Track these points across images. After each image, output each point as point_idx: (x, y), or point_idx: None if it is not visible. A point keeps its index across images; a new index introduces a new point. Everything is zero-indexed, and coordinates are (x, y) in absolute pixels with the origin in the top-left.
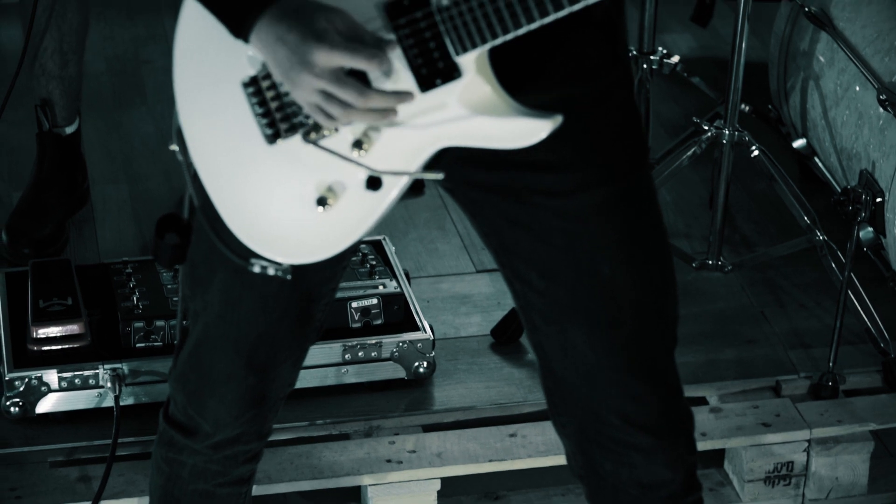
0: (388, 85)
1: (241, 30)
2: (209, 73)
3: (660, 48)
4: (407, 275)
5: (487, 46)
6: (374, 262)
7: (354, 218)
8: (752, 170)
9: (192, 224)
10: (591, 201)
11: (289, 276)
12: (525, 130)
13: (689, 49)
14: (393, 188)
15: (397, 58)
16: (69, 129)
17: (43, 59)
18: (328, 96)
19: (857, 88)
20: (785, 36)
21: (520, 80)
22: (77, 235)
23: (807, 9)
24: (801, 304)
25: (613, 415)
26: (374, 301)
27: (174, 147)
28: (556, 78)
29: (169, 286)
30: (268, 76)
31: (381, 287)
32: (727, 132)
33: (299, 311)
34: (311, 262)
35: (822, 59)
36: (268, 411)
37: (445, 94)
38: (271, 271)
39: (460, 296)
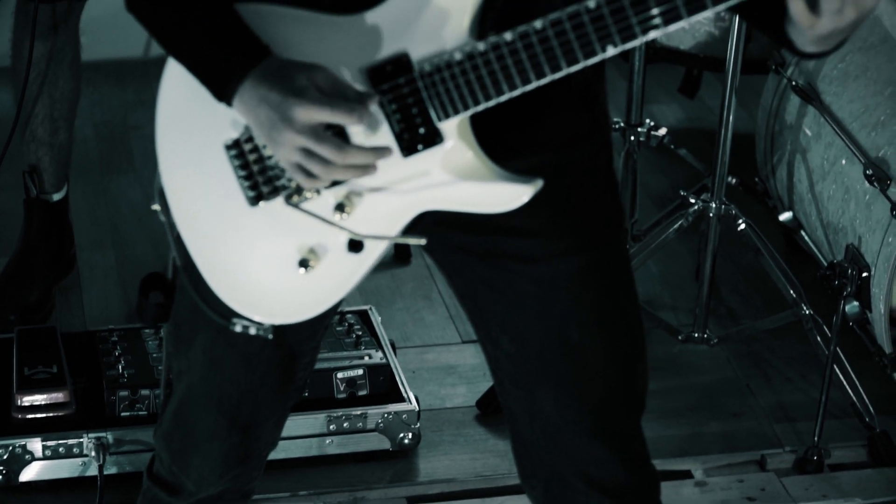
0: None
1: (223, 94)
2: (191, 135)
3: (647, 120)
4: (393, 345)
5: (470, 112)
6: (360, 333)
7: (336, 279)
8: (739, 242)
9: (175, 283)
10: (565, 268)
11: (271, 336)
12: (506, 195)
13: (676, 120)
14: (374, 251)
15: (379, 122)
16: (57, 196)
17: (34, 125)
18: (309, 154)
19: (844, 163)
20: (772, 109)
21: (500, 145)
22: (63, 302)
23: (794, 83)
24: (786, 378)
25: (578, 478)
26: (360, 372)
27: (156, 207)
28: (535, 144)
29: (154, 355)
30: (250, 139)
31: (366, 358)
32: (714, 205)
33: (282, 370)
34: (293, 323)
35: (808, 132)
36: (251, 470)
37: (427, 158)
38: (253, 331)
39: (446, 366)
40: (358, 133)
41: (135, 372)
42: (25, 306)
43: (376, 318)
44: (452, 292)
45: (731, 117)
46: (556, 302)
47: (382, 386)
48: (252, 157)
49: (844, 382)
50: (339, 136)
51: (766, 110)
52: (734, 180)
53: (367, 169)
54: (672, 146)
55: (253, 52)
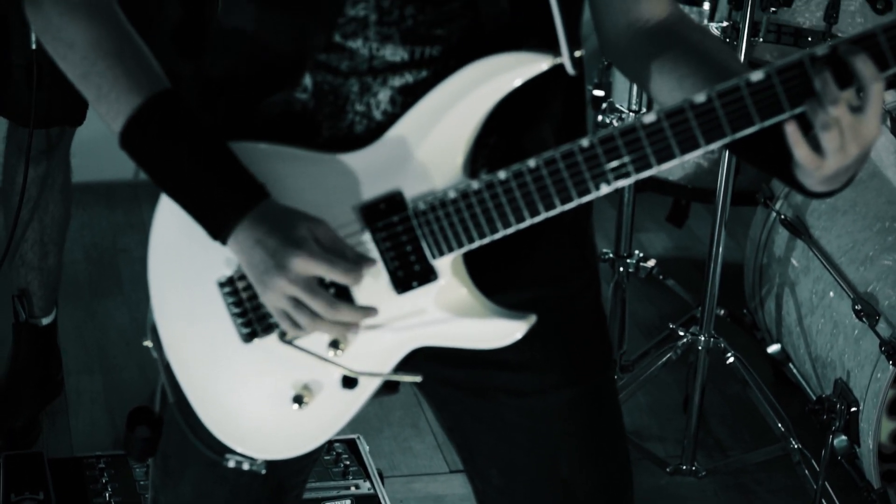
0: (363, 288)
1: (219, 233)
2: (185, 271)
3: (636, 251)
4: (381, 475)
5: (464, 250)
6: (347, 462)
7: (330, 415)
8: (727, 373)
9: (163, 417)
10: (555, 402)
11: (264, 471)
12: (501, 332)
13: (664, 249)
14: (368, 387)
15: (374, 260)
16: (45, 320)
17: (23, 250)
18: (298, 304)
19: (833, 297)
20: (761, 242)
21: (492, 280)
22: (50, 426)
23: (783, 216)
24: None
25: None
26: (348, 502)
27: (148, 343)
28: (526, 280)
29: (142, 482)
30: (243, 276)
31: (353, 488)
32: (703, 338)
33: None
34: (286, 458)
35: (797, 266)
36: None
37: (421, 295)
38: (246, 466)
39: (434, 496)
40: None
41: (122, 500)
42: (12, 431)
43: (364, 448)
44: (440, 425)
45: (720, 251)
46: (546, 436)
47: None
48: (246, 295)
49: None
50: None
51: (755, 243)
52: (723, 311)
53: (352, 327)
54: (660, 276)
55: (250, 193)
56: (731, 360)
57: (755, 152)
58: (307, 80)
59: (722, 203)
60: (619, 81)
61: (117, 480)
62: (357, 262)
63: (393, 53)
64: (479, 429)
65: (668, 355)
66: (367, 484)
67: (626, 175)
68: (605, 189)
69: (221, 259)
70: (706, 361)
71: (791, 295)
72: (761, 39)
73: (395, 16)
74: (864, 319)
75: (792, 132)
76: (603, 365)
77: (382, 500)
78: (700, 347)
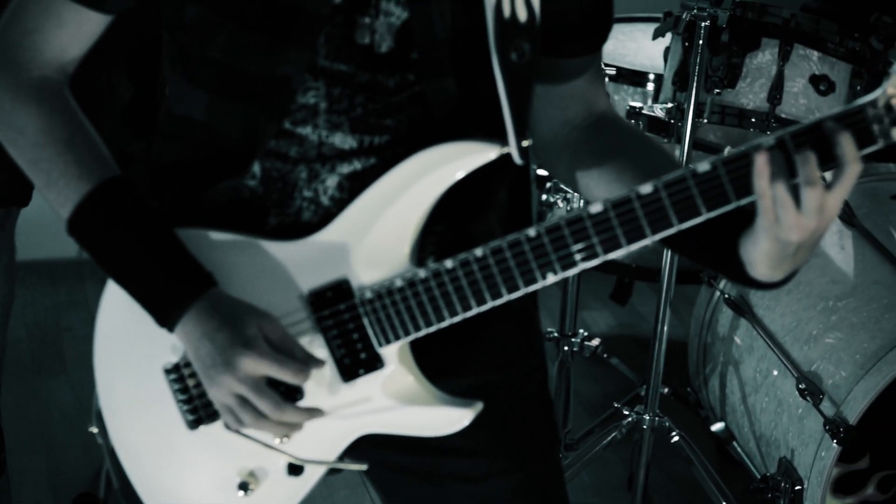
0: (309, 380)
1: (166, 321)
2: (131, 356)
3: (581, 330)
4: None
5: (411, 338)
6: None
7: (276, 502)
8: (671, 451)
9: (107, 503)
10: (503, 486)
11: None
12: (448, 419)
13: (608, 326)
14: (314, 473)
15: (320, 348)
16: None
17: None
18: (243, 402)
19: (777, 376)
20: (705, 320)
21: (438, 366)
22: None
23: (727, 295)
24: None
25: None
26: None
27: (94, 429)
28: (473, 365)
29: None
30: (189, 364)
31: None
32: (647, 417)
33: None
34: None
35: (741, 344)
36: None
37: (368, 383)
38: None
39: None
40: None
41: None
42: None
43: None
44: None
45: (665, 329)
46: None
47: None
48: (191, 382)
49: None
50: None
51: (699, 321)
52: (667, 390)
53: (294, 428)
54: (605, 355)
55: (197, 281)
56: (676, 438)
57: (698, 246)
58: (256, 167)
59: (667, 282)
60: None
61: None
62: (306, 361)
63: (342, 141)
64: None
65: (613, 434)
66: None
67: (573, 264)
68: (551, 278)
69: (167, 345)
70: (651, 440)
71: (735, 373)
72: (706, 120)
73: (344, 104)
74: (808, 398)
75: (761, 164)
76: (549, 448)
77: None
78: (645, 426)
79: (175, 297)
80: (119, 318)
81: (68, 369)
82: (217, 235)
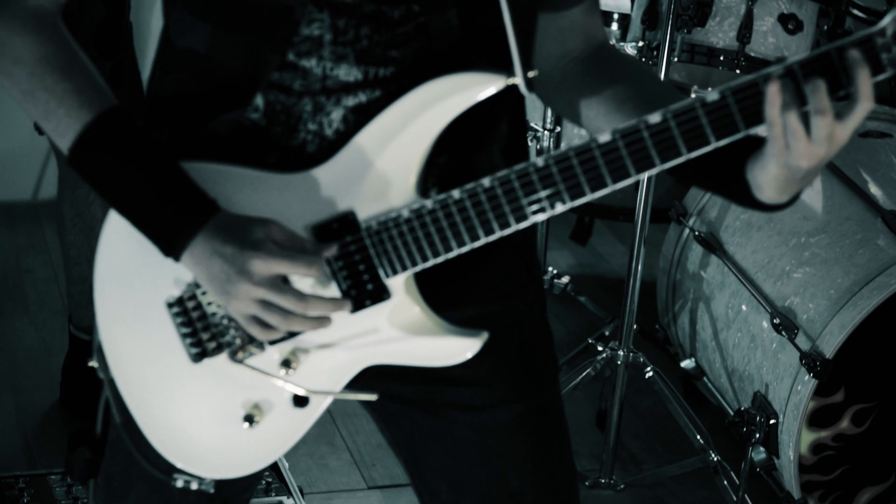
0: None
1: (172, 250)
2: (132, 292)
3: (550, 268)
4: (301, 491)
5: (418, 269)
6: (269, 479)
7: (281, 434)
8: (636, 387)
9: (105, 438)
10: (505, 416)
11: (212, 491)
12: (454, 349)
13: (568, 266)
14: (320, 404)
15: (326, 279)
16: None
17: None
18: (267, 305)
19: (749, 311)
20: (674, 258)
21: (441, 297)
22: None
23: (697, 233)
24: None
25: None
26: None
27: (94, 363)
28: (475, 296)
29: (63, 501)
30: (193, 296)
31: None
32: (622, 353)
33: None
34: (236, 478)
35: (712, 281)
36: None
37: (374, 314)
38: (195, 486)
39: None
40: (305, 290)
41: None
42: None
43: (284, 464)
44: (387, 440)
45: (639, 266)
46: (496, 450)
47: None
48: (195, 315)
49: None
50: None
51: (668, 259)
52: (636, 328)
53: (323, 322)
54: (574, 293)
55: (203, 209)
56: (650, 374)
57: (703, 172)
58: (259, 100)
59: (642, 218)
60: (532, 100)
61: (38, 500)
62: (317, 252)
63: (347, 73)
64: (429, 444)
65: (588, 370)
66: (291, 500)
67: (582, 194)
68: (560, 208)
69: (170, 279)
70: (625, 376)
71: (706, 310)
72: (676, 59)
73: (350, 36)
74: (782, 333)
75: (772, 92)
76: (550, 379)
77: None
78: (619, 362)
79: (181, 224)
80: (120, 253)
81: (31, 311)
82: (220, 168)
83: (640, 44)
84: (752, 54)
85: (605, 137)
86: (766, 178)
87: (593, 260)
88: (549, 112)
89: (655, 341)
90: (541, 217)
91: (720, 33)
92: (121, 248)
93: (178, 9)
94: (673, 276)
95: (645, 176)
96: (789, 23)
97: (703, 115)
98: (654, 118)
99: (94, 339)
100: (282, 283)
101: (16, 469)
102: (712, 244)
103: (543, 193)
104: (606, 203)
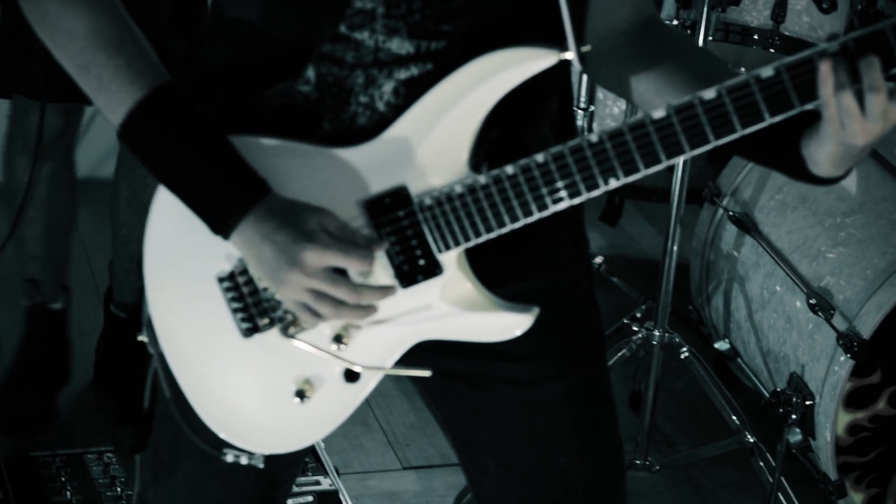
0: (369, 281)
1: (222, 228)
2: (182, 266)
3: None
4: (336, 471)
5: (470, 244)
6: (306, 459)
7: (332, 409)
8: (668, 369)
9: (153, 413)
10: (553, 392)
11: (262, 466)
12: (505, 324)
13: (598, 248)
14: (370, 380)
15: (378, 256)
16: (56, 305)
17: (30, 245)
18: (318, 295)
19: (785, 292)
20: (707, 239)
21: (491, 272)
22: None
23: (731, 213)
24: None
25: None
26: (310, 499)
27: (143, 338)
28: (525, 271)
29: (100, 481)
30: (244, 271)
31: (315, 484)
32: (658, 333)
33: (263, 498)
34: (286, 453)
35: (746, 261)
36: None
37: (426, 290)
38: (244, 461)
39: (388, 493)
40: (356, 273)
41: (82, 498)
42: (27, 416)
43: (320, 445)
44: (434, 416)
45: (675, 246)
46: (544, 425)
47: None
48: (247, 290)
49: None
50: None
51: (701, 240)
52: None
53: (371, 310)
54: (608, 274)
55: (253, 188)
56: (686, 354)
57: (758, 146)
58: (310, 72)
59: (678, 198)
60: None
61: (75, 479)
62: (369, 246)
63: (399, 46)
64: (477, 420)
65: (623, 351)
66: (328, 480)
67: (635, 170)
68: (613, 183)
69: (221, 254)
70: (660, 357)
71: (740, 291)
72: (711, 38)
73: (402, 9)
74: (819, 313)
75: (825, 72)
76: (598, 354)
77: (343, 497)
78: (654, 342)
79: (231, 203)
80: (170, 228)
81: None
82: (271, 142)
83: (675, 23)
84: (787, 33)
85: (659, 113)
86: (822, 155)
87: (623, 241)
88: (583, 91)
89: (689, 322)
90: (594, 193)
91: (754, 12)
92: (171, 223)
93: None
94: (706, 256)
95: (698, 152)
96: (823, 2)
97: (757, 91)
98: (709, 94)
99: (144, 314)
100: (334, 274)
101: (51, 448)
102: (747, 224)
103: (597, 169)
104: (638, 183)
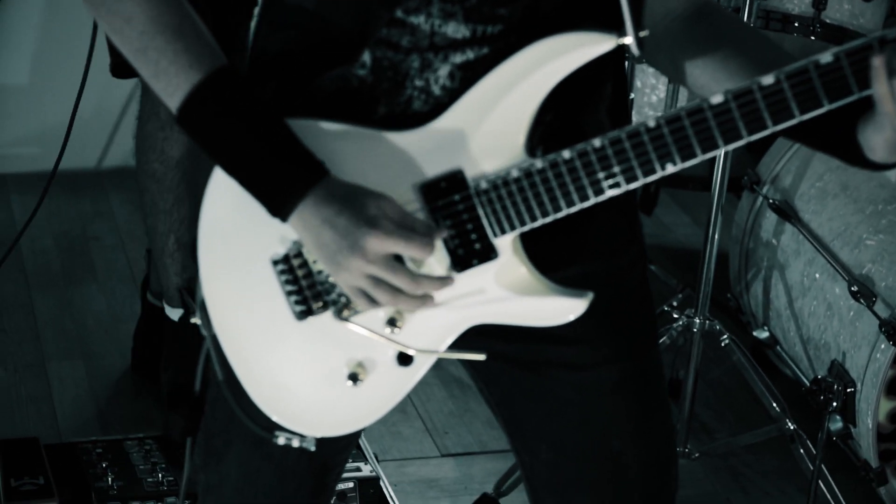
0: (422, 266)
1: (280, 211)
2: (236, 248)
3: None
4: (376, 457)
5: (526, 228)
6: None
7: (385, 393)
8: (705, 357)
9: (204, 396)
10: (608, 376)
11: (313, 448)
12: (561, 309)
13: None
14: (423, 364)
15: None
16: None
17: (180, 233)
18: (377, 281)
19: (826, 280)
20: (747, 227)
21: (546, 257)
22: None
23: (771, 200)
24: (765, 492)
25: None
26: (351, 485)
27: (196, 320)
28: (579, 255)
29: (141, 467)
30: (299, 254)
31: (356, 471)
32: (698, 321)
33: (314, 482)
34: (338, 436)
35: (786, 250)
36: None
37: (481, 274)
38: (296, 443)
39: (427, 480)
40: (409, 257)
41: (124, 484)
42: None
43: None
44: (486, 400)
45: (716, 234)
46: (598, 410)
47: (372, 499)
48: (301, 273)
49: (829, 498)
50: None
51: (741, 228)
52: None
53: (428, 300)
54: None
55: (312, 170)
56: (727, 342)
57: (815, 132)
58: (366, 56)
59: (719, 186)
60: None
61: (116, 465)
62: (429, 233)
63: (455, 30)
64: (529, 403)
65: (663, 338)
66: (369, 466)
67: (693, 155)
68: (670, 169)
69: (276, 237)
70: (701, 344)
71: (780, 278)
72: (751, 25)
73: None
74: (861, 301)
75: (878, 67)
76: (652, 339)
77: (384, 483)
78: (695, 330)
79: (290, 185)
80: (224, 210)
81: (98, 278)
82: (327, 125)
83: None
84: (828, 21)
85: (717, 99)
86: (878, 141)
87: (659, 230)
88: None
89: (727, 310)
90: (651, 178)
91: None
92: (226, 206)
93: None
94: (746, 244)
95: (756, 138)
96: None
97: (816, 77)
98: (768, 79)
99: (197, 296)
100: (394, 262)
101: (88, 434)
102: (787, 212)
103: (655, 154)
104: (675, 172)
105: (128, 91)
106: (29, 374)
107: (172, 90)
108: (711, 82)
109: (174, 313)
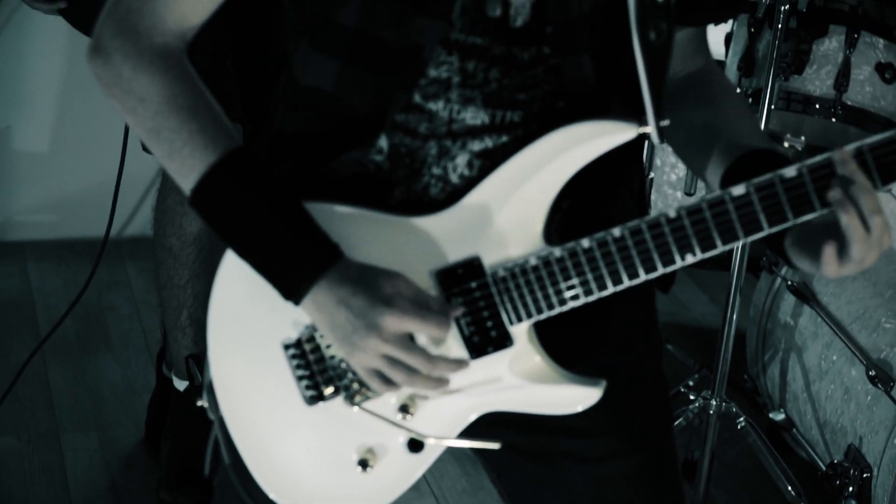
0: (437, 351)
1: (293, 294)
2: (248, 331)
3: None
4: None
5: (543, 317)
6: None
7: (394, 479)
8: (720, 438)
9: (213, 478)
10: (622, 468)
11: None
12: (574, 398)
13: None
14: (434, 451)
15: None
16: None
17: (194, 307)
18: (392, 362)
19: (843, 363)
20: (765, 308)
21: (564, 350)
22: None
23: (790, 282)
24: None
25: None
26: None
27: (203, 403)
28: (595, 346)
29: None
30: (311, 339)
31: None
32: (714, 403)
33: None
34: None
35: (804, 331)
36: None
37: (495, 361)
38: None
39: None
40: (425, 343)
41: None
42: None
43: None
44: (498, 491)
45: (734, 315)
46: (611, 502)
47: None
48: (313, 357)
49: None
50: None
51: (759, 308)
52: None
53: (443, 382)
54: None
55: (327, 253)
56: (743, 424)
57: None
58: (383, 141)
59: (738, 266)
60: None
61: None
62: (445, 312)
63: (474, 117)
64: (543, 496)
65: (679, 420)
66: None
67: (713, 246)
68: (690, 259)
69: (288, 321)
70: (717, 426)
71: (798, 361)
72: (773, 107)
73: (479, 79)
74: (878, 385)
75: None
76: (666, 430)
77: None
78: (711, 412)
79: (304, 269)
80: (236, 292)
81: (114, 348)
82: (343, 209)
83: (737, 91)
84: (849, 103)
85: (739, 190)
86: (809, 253)
87: (675, 308)
88: (643, 158)
89: (743, 391)
90: (670, 268)
91: (817, 81)
92: (238, 289)
93: (303, 44)
94: (763, 325)
95: (776, 230)
96: (886, 72)
97: (781, 191)
98: (790, 172)
99: (206, 377)
100: (410, 342)
101: None
102: (805, 294)
103: (675, 245)
104: None
105: (152, 164)
106: (42, 444)
107: (187, 171)
108: (687, 148)
109: (182, 385)
